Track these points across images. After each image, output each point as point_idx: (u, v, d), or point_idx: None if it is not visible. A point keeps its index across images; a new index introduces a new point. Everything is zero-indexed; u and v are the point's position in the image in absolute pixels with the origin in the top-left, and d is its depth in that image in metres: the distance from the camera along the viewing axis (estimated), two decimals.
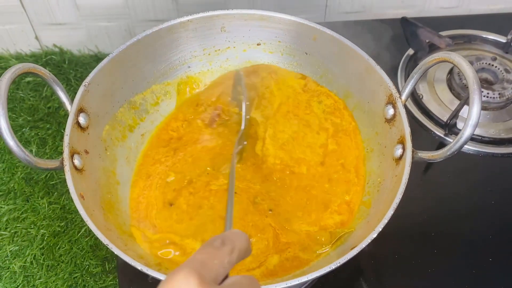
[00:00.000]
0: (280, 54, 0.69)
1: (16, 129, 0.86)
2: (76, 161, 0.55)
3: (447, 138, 0.75)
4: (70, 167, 0.53)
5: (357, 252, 0.48)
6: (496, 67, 0.80)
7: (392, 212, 0.50)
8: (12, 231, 0.76)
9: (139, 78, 0.66)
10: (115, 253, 0.48)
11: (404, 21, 0.85)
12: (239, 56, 0.71)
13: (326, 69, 0.67)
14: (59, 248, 0.74)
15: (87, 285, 0.72)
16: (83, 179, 0.55)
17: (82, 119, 0.58)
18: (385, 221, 0.49)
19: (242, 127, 0.66)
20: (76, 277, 0.72)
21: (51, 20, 0.91)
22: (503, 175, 0.73)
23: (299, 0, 0.91)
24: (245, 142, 0.65)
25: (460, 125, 0.75)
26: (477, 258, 0.64)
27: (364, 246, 0.48)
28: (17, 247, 0.74)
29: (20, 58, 0.97)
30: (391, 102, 0.58)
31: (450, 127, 0.75)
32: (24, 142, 0.84)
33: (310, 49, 0.67)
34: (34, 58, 0.97)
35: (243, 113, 0.67)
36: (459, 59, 0.51)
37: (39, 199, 0.79)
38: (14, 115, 0.88)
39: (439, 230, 0.66)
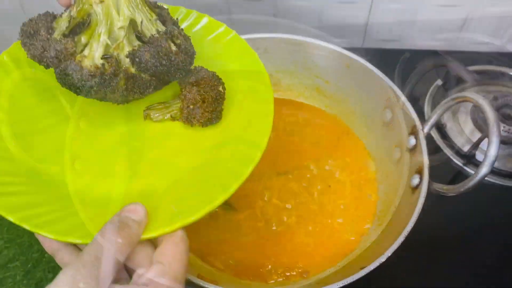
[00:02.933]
0: (315, 77, 0.66)
1: None
2: None
3: (465, 168, 0.69)
4: None
5: (365, 273, 0.44)
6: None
7: (402, 239, 0.46)
8: None
9: None
10: None
11: (435, 54, 0.79)
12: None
13: (356, 94, 0.63)
14: None
15: None
16: None
17: None
18: (394, 247, 0.46)
19: None
20: None
21: None
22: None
23: (341, 25, 0.87)
24: None
25: (479, 156, 0.70)
26: None
27: (372, 268, 0.45)
28: None
29: None
30: (414, 133, 0.54)
31: (469, 158, 0.69)
32: None
33: (343, 75, 0.63)
34: None
35: None
36: (482, 101, 0.47)
37: None
38: None
39: (446, 256, 0.61)
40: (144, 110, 0.45)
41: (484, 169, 0.44)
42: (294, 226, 0.56)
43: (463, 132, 0.74)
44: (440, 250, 0.60)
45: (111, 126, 0.45)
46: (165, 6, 0.45)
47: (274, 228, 0.56)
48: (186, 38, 0.42)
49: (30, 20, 0.40)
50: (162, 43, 0.39)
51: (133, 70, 0.40)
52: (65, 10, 0.41)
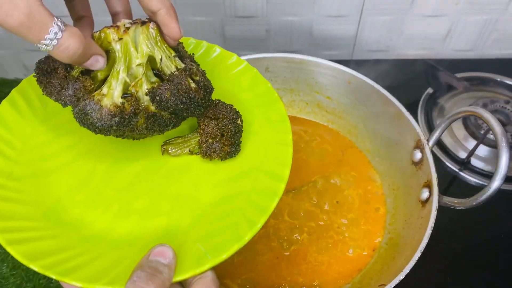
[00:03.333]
0: (316, 93, 0.66)
1: None
2: None
3: (461, 173, 0.70)
4: None
5: None
6: (509, 109, 0.75)
7: (419, 255, 0.46)
8: None
9: None
10: None
11: (426, 64, 0.80)
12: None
13: (358, 109, 0.63)
14: None
15: None
16: None
17: None
18: (412, 263, 0.46)
19: None
20: None
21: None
22: (508, 211, 0.68)
23: (330, 38, 0.87)
24: None
25: (474, 161, 0.71)
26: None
27: (392, 286, 0.45)
28: None
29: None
30: (419, 147, 0.54)
31: (466, 164, 0.70)
32: None
33: (344, 91, 0.63)
34: None
35: None
36: (487, 116, 0.47)
37: None
38: None
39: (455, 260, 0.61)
40: (162, 145, 0.44)
41: (496, 183, 0.45)
42: (306, 243, 0.55)
43: (456, 138, 0.75)
44: (456, 262, 0.60)
45: (129, 162, 0.43)
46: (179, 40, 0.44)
47: (286, 247, 0.55)
48: (204, 74, 0.41)
49: (47, 57, 0.38)
50: (182, 81, 0.38)
51: (153, 108, 0.39)
52: None
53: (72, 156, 0.43)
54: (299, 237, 0.56)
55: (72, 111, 0.38)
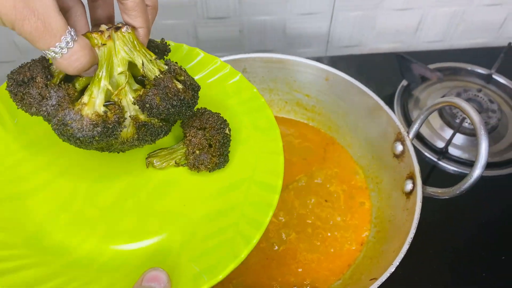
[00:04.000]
0: (295, 92, 0.65)
1: None
2: None
3: (440, 162, 0.71)
4: None
5: (377, 286, 0.44)
6: (481, 97, 0.76)
7: (407, 247, 0.46)
8: None
9: None
10: None
11: (399, 57, 0.81)
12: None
13: (338, 105, 0.63)
14: None
15: None
16: None
17: None
18: (401, 255, 0.46)
19: None
20: None
21: None
22: (488, 197, 0.69)
23: (304, 36, 0.87)
24: None
25: (452, 150, 0.72)
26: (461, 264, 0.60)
27: (384, 279, 0.45)
28: None
29: None
30: (400, 139, 0.54)
31: (444, 153, 0.71)
32: None
33: (322, 88, 0.63)
34: None
35: None
36: (465, 105, 0.48)
37: None
38: None
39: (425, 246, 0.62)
40: (146, 158, 0.41)
41: (478, 171, 0.45)
42: (295, 243, 0.55)
43: (432, 128, 0.76)
44: (444, 250, 0.61)
45: (112, 179, 0.40)
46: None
47: (276, 248, 0.55)
48: (186, 72, 0.38)
49: (21, 66, 0.35)
50: (169, 83, 0.35)
51: (142, 117, 0.36)
52: None
53: (51, 175, 0.40)
54: (287, 237, 0.55)
55: (51, 123, 0.35)
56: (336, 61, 0.89)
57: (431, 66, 0.83)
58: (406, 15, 0.85)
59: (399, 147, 0.54)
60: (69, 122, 0.33)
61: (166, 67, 0.37)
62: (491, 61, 0.82)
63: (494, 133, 0.75)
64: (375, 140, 0.59)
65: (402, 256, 0.45)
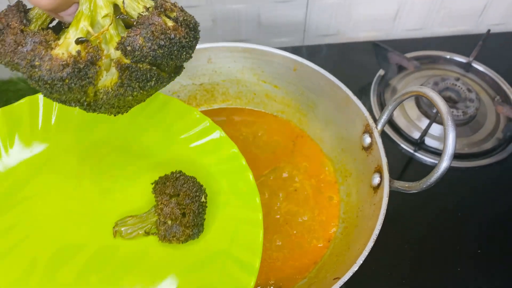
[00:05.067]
0: (263, 82, 0.62)
1: None
2: None
3: (416, 154, 0.69)
4: None
5: (339, 286, 0.42)
6: (459, 86, 0.74)
7: (372, 244, 0.44)
8: None
9: None
10: None
11: (375, 45, 0.78)
12: (227, 85, 0.64)
13: (307, 97, 0.60)
14: None
15: None
16: None
17: None
18: (365, 253, 0.43)
19: None
20: None
21: None
22: (466, 187, 0.67)
23: (280, 25, 0.84)
24: None
25: (428, 141, 0.69)
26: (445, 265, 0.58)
27: (346, 279, 0.42)
28: None
29: None
30: (368, 131, 0.52)
31: (420, 144, 0.69)
32: None
33: (291, 79, 0.60)
34: None
35: None
36: (433, 94, 0.45)
37: None
38: None
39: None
40: (113, 227, 0.37)
41: (444, 163, 0.43)
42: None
43: (410, 119, 0.73)
44: (414, 247, 0.58)
45: (76, 248, 0.36)
46: None
47: None
48: (183, 9, 0.33)
49: None
50: (155, 20, 0.30)
51: (127, 60, 0.31)
52: None
53: (7, 244, 0.35)
54: None
55: (19, 65, 0.30)
56: (313, 51, 0.86)
57: (409, 55, 0.81)
58: (384, 2, 0.82)
59: (367, 139, 0.52)
60: (37, 63, 0.29)
61: (153, 3, 0.32)
62: (471, 49, 0.79)
63: (472, 123, 0.72)
64: (345, 132, 0.56)
65: (366, 254, 0.43)
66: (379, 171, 0.49)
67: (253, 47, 0.58)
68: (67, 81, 0.29)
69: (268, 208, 0.55)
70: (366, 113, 0.52)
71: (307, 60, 0.56)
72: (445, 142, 0.43)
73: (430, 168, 0.68)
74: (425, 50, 0.83)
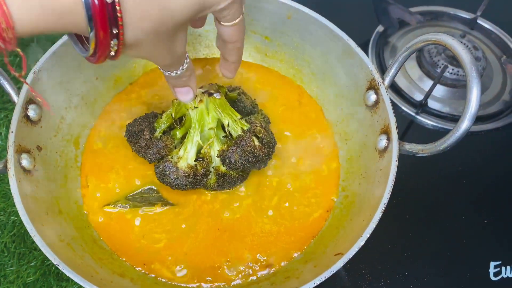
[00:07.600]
0: (253, 33, 0.54)
1: None
2: (25, 162, 0.40)
3: (417, 117, 0.62)
4: (15, 171, 0.38)
5: (344, 263, 0.36)
6: (465, 44, 0.67)
7: (379, 216, 0.37)
8: None
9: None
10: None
11: None
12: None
13: (302, 49, 0.53)
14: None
15: (60, 272, 0.58)
16: (33, 181, 0.41)
17: (32, 112, 0.42)
18: (373, 225, 0.37)
19: None
20: (49, 264, 0.58)
21: None
22: (472, 153, 0.61)
23: None
24: None
25: (431, 103, 0.63)
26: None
27: (351, 256, 0.36)
28: None
29: None
30: (373, 87, 0.45)
31: (423, 107, 0.62)
32: None
33: (285, 28, 0.52)
34: None
35: None
36: (453, 42, 0.38)
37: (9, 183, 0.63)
38: None
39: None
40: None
41: (466, 123, 0.36)
42: (252, 212, 0.46)
43: (411, 79, 0.66)
44: (423, 218, 0.53)
45: None
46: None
47: (227, 214, 0.46)
48: (267, 130, 0.44)
49: (135, 120, 0.45)
50: (248, 142, 0.42)
51: (223, 169, 0.44)
52: (163, 112, 0.46)
53: None
54: (240, 205, 0.46)
55: (155, 170, 0.44)
56: (305, 4, 0.78)
57: (412, 10, 0.73)
58: None
59: (373, 97, 0.45)
60: (168, 173, 0.43)
61: (248, 126, 0.43)
62: (476, 5, 0.72)
63: None
64: (345, 89, 0.49)
65: (374, 226, 0.37)
66: (386, 132, 0.42)
67: None
68: (188, 186, 0.43)
69: (258, 175, 0.48)
70: (372, 67, 0.45)
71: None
72: (467, 98, 0.36)
73: (433, 132, 0.63)
74: (426, 5, 0.75)
